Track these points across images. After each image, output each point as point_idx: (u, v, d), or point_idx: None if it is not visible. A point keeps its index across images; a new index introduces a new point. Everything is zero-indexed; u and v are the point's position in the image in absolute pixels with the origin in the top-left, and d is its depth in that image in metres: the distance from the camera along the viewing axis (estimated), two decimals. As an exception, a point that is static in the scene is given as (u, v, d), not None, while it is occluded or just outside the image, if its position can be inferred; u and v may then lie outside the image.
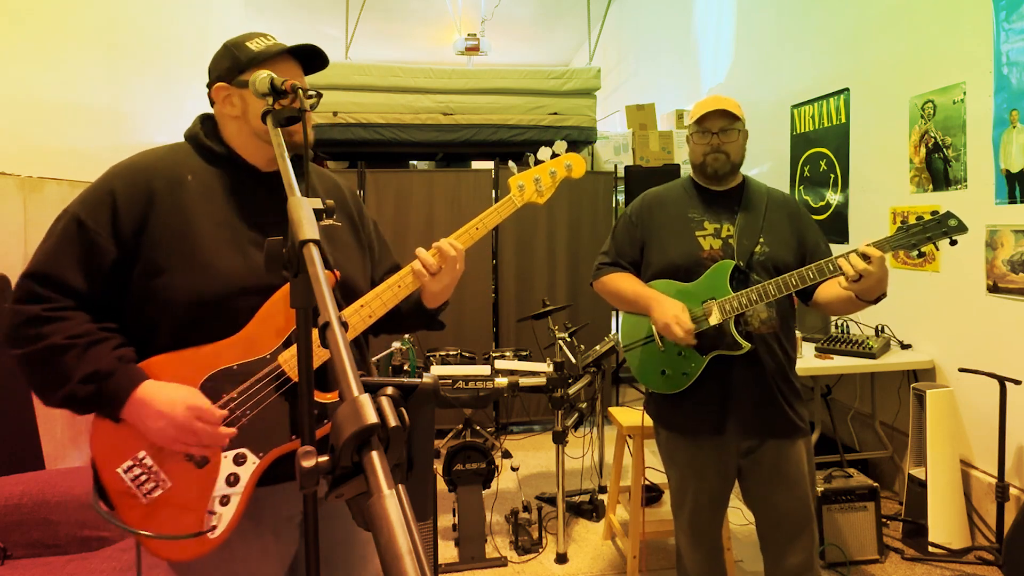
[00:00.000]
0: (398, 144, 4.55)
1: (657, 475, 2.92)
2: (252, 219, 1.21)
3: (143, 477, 1.11)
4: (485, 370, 2.63)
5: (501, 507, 3.16)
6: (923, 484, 2.77)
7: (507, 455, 3.89)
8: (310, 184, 1.32)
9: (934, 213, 1.56)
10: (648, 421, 1.96)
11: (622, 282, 1.88)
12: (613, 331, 4.54)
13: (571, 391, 2.83)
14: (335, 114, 4.43)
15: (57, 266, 1.11)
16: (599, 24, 7.71)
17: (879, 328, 3.33)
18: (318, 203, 0.88)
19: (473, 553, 2.69)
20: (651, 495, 3.06)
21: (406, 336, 3.24)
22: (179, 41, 4.40)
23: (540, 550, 2.82)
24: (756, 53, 4.76)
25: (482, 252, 4.31)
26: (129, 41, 3.67)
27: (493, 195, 4.36)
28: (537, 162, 1.42)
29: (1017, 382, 2.60)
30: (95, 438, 1.13)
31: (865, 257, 1.53)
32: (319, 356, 1.13)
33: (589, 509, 3.15)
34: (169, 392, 1.09)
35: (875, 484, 2.72)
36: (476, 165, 5.10)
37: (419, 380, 0.75)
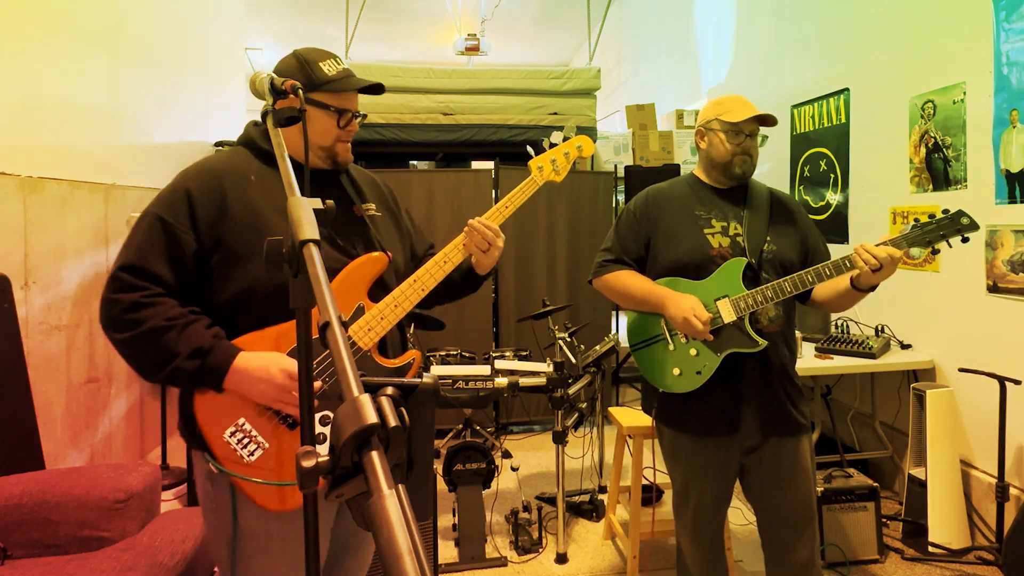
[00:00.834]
0: (398, 144, 4.55)
1: (657, 475, 2.92)
2: None
3: (245, 440, 1.25)
4: (485, 370, 2.63)
5: (501, 507, 3.16)
6: (923, 484, 2.77)
7: (507, 455, 3.89)
8: (354, 181, 1.49)
9: (945, 211, 1.59)
10: (647, 420, 1.95)
11: (629, 279, 1.86)
12: (613, 331, 4.54)
13: (571, 391, 2.83)
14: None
15: (146, 258, 1.24)
16: (599, 24, 7.71)
17: (879, 328, 3.33)
18: (318, 203, 0.89)
19: (473, 553, 2.69)
20: (651, 495, 3.06)
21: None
22: (179, 41, 4.40)
23: (540, 550, 2.82)
24: (756, 53, 4.76)
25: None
26: (129, 41, 3.67)
27: (493, 195, 4.36)
28: (551, 146, 1.59)
29: (1017, 382, 2.60)
30: (200, 410, 1.26)
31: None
32: (383, 328, 1.33)
33: (589, 509, 3.15)
34: (263, 359, 1.23)
35: (875, 484, 2.72)
36: (476, 165, 5.11)
37: (419, 380, 0.75)
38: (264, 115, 1.10)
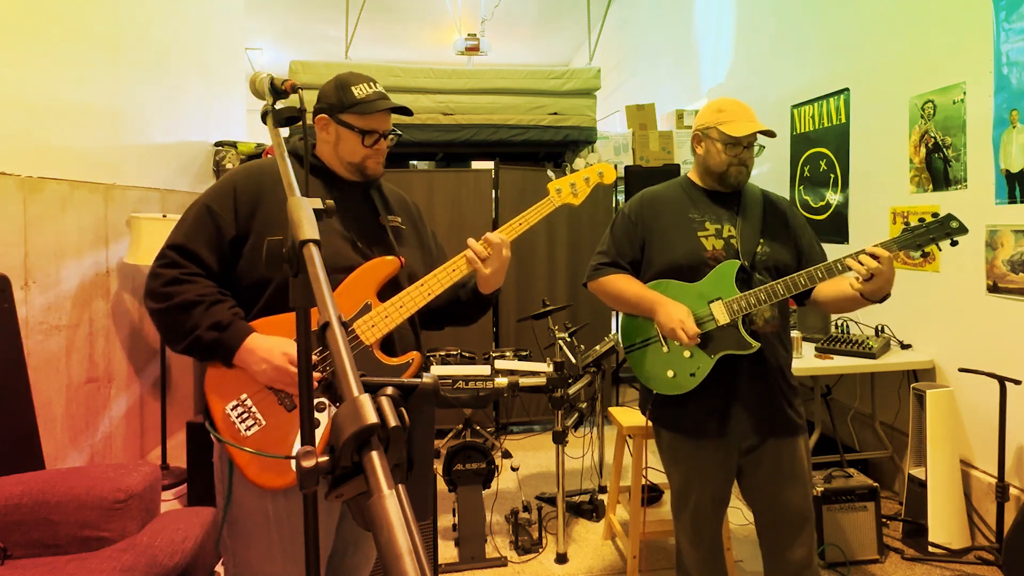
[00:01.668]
0: (398, 144, 4.52)
1: (657, 475, 2.92)
2: (336, 213, 1.46)
3: (244, 415, 1.35)
4: (485, 370, 2.63)
5: (501, 507, 3.16)
6: (923, 484, 2.77)
7: (507, 455, 3.89)
8: (383, 196, 1.62)
9: (935, 215, 1.62)
10: (641, 419, 1.96)
11: (623, 284, 1.87)
12: (613, 331, 4.54)
13: (571, 391, 2.83)
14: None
15: (192, 240, 1.38)
16: (599, 24, 7.71)
17: (879, 328, 3.33)
18: (318, 203, 0.89)
19: (473, 553, 2.69)
20: (651, 495, 3.06)
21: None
22: (180, 41, 4.39)
23: (540, 550, 2.82)
24: (756, 53, 4.76)
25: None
26: (130, 41, 3.67)
27: (493, 195, 4.36)
28: (572, 171, 1.63)
29: (1017, 382, 2.60)
30: (209, 381, 1.38)
31: (874, 257, 1.59)
32: (387, 325, 1.41)
33: (589, 509, 3.15)
34: (270, 342, 1.34)
35: (875, 484, 2.72)
36: (476, 165, 5.10)
37: (419, 380, 0.75)
38: (264, 115, 1.10)
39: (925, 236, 1.62)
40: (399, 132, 1.56)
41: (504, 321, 4.38)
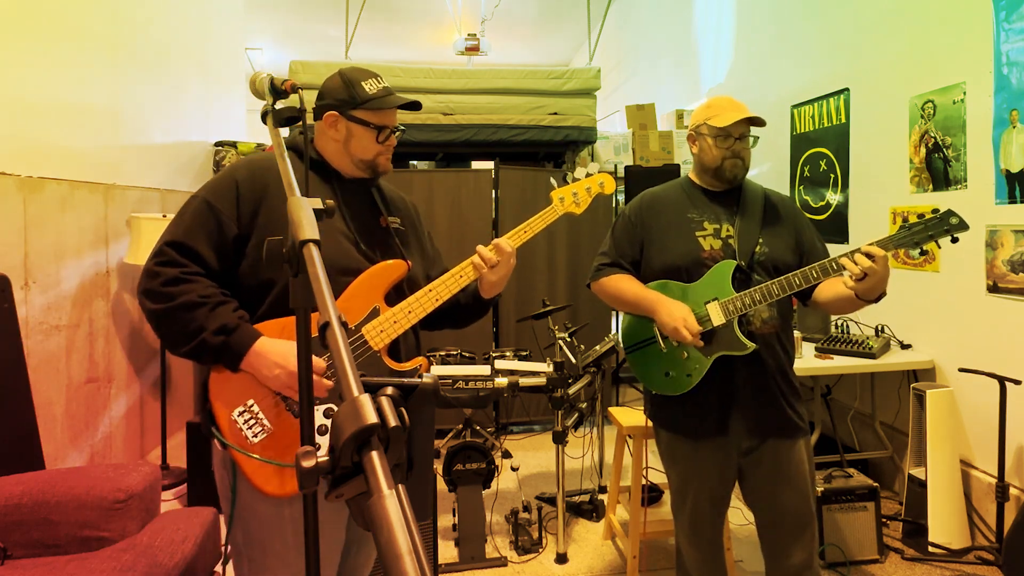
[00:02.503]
0: (398, 144, 4.53)
1: (657, 475, 2.92)
2: (339, 212, 1.44)
3: (251, 422, 1.31)
4: (485, 370, 2.63)
5: (501, 507, 3.16)
6: (923, 484, 2.77)
7: (507, 455, 3.89)
8: (384, 195, 1.60)
9: (935, 211, 1.58)
10: (640, 419, 1.96)
11: (623, 284, 1.87)
12: (613, 331, 4.54)
13: (571, 391, 2.83)
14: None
15: (191, 237, 1.32)
16: (599, 24, 7.71)
17: (879, 328, 3.33)
18: (318, 203, 0.89)
19: (473, 553, 2.69)
20: (651, 495, 3.06)
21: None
22: (180, 41, 4.39)
23: (540, 550, 2.82)
24: (756, 53, 4.76)
25: (482, 252, 4.30)
26: (129, 41, 3.67)
27: (493, 195, 4.36)
28: (574, 180, 1.71)
29: (1017, 382, 2.60)
30: (214, 387, 1.32)
31: (869, 256, 1.55)
32: (395, 331, 1.39)
33: (589, 509, 3.15)
34: (281, 346, 1.29)
35: (875, 484, 2.72)
36: (476, 165, 5.10)
37: (419, 380, 0.75)
38: (264, 115, 1.10)
39: (924, 233, 1.57)
40: (403, 128, 1.54)
41: (504, 321, 4.38)
